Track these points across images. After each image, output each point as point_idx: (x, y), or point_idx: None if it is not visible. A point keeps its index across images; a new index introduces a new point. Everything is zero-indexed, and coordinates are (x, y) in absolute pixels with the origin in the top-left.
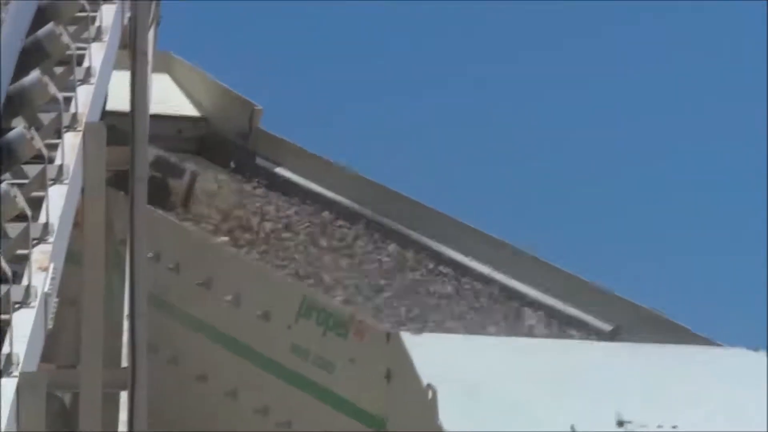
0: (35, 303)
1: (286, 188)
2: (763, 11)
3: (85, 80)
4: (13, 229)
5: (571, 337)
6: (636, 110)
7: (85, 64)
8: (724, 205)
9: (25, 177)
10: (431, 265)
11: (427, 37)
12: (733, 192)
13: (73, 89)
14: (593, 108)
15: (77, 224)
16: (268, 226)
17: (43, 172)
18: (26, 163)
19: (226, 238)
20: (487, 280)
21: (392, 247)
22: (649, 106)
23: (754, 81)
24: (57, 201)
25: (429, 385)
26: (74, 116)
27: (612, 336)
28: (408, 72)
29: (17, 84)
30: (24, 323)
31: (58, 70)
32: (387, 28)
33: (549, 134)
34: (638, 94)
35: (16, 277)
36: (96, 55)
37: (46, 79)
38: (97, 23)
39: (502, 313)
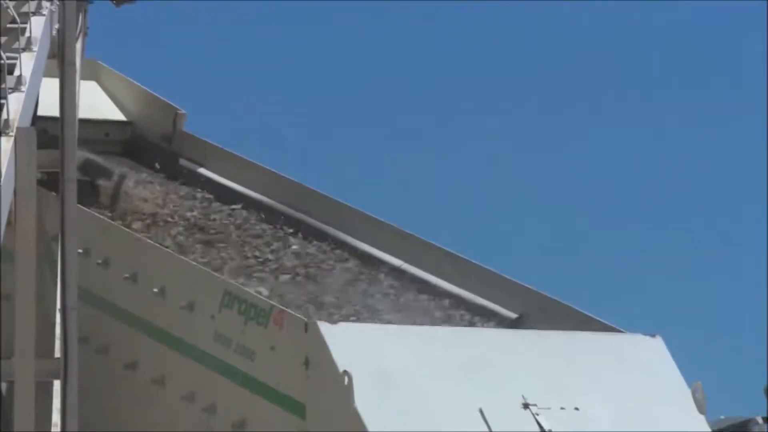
0: None
1: (208, 187)
2: (763, 12)
3: (16, 88)
4: None
5: (478, 325)
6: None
7: (16, 72)
8: (617, 193)
9: None
10: (346, 258)
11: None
12: (623, 179)
13: (4, 97)
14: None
15: (10, 223)
16: (191, 222)
17: None
18: None
19: (151, 235)
20: (399, 272)
21: (309, 241)
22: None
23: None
24: None
25: (345, 372)
26: (6, 122)
27: (517, 323)
28: (322, 69)
29: None
30: None
31: None
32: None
33: (452, 123)
34: None
35: None
36: (26, 64)
37: None
38: (27, 34)
39: (413, 303)
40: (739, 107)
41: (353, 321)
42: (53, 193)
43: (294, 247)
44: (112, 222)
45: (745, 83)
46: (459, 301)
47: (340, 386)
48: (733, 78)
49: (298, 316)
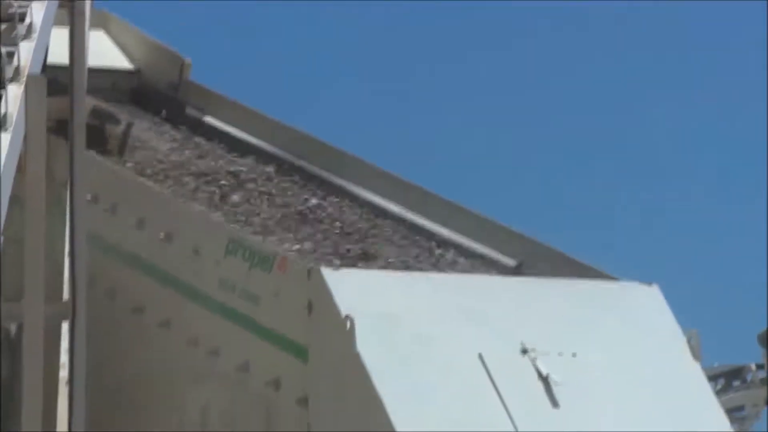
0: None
1: (214, 135)
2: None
3: (27, 36)
4: None
5: (478, 272)
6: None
7: (27, 21)
8: (617, 139)
9: None
10: (349, 207)
11: None
12: (622, 127)
13: (15, 44)
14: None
15: (21, 169)
16: (198, 169)
17: None
18: None
19: (159, 182)
20: (400, 220)
21: (313, 190)
22: None
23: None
24: (2, 147)
25: (347, 317)
26: (17, 69)
27: (516, 271)
28: (331, 20)
29: None
30: None
31: (2, 26)
32: None
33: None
34: None
35: None
36: (37, 12)
37: None
38: None
39: (414, 250)
40: None
41: (356, 267)
42: (62, 140)
43: (301, 198)
44: (120, 168)
45: None
46: (460, 249)
47: (342, 331)
48: None
49: (302, 262)
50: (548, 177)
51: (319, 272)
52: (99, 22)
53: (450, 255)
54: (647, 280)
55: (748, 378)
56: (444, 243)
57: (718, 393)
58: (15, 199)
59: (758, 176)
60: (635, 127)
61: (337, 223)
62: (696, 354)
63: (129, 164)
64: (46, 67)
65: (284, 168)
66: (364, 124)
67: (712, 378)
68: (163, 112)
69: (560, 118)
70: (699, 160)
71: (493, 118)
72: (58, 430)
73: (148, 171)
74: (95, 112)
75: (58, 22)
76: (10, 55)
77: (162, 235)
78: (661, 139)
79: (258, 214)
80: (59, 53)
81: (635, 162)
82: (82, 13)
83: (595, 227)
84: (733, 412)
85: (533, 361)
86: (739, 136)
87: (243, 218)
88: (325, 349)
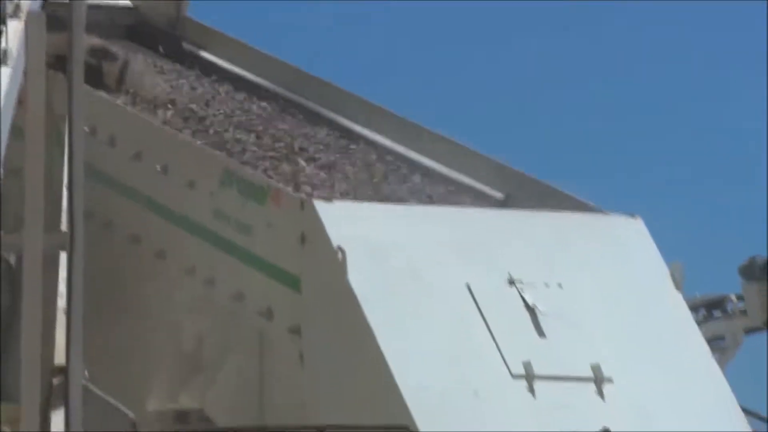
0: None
1: (210, 70)
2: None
3: None
4: None
5: (466, 205)
6: None
7: None
8: (603, 77)
9: None
10: (342, 141)
11: None
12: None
13: None
14: None
15: (21, 102)
16: (194, 104)
17: None
18: None
19: (155, 115)
20: (392, 153)
21: (307, 124)
22: None
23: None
24: (2, 81)
25: (339, 248)
26: (17, 6)
27: (503, 203)
28: None
29: None
30: None
31: None
32: None
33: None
34: None
35: None
36: None
37: None
38: None
39: (405, 183)
40: None
41: (348, 199)
42: (61, 74)
43: (295, 132)
44: (117, 102)
45: None
46: (449, 182)
47: (334, 262)
48: None
49: (294, 193)
50: (527, 105)
51: (311, 204)
52: None
53: (439, 188)
54: (631, 212)
55: (729, 308)
56: (434, 176)
57: (700, 323)
58: (15, 131)
59: (739, 110)
60: (617, 50)
61: (330, 156)
62: (678, 285)
63: (126, 98)
64: (45, 4)
65: (279, 103)
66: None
67: (694, 308)
68: (161, 48)
69: (531, 41)
70: (679, 96)
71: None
72: (55, 359)
73: (145, 105)
74: (93, 51)
75: None
76: None
77: (158, 167)
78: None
79: (252, 149)
80: None
81: (617, 94)
82: None
83: (579, 160)
84: (713, 342)
85: (520, 291)
86: (718, 65)
87: (237, 151)
88: (317, 280)
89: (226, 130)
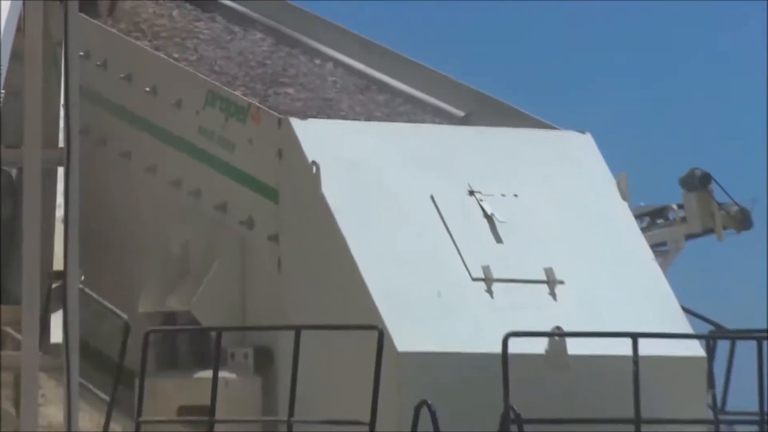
0: None
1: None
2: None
3: None
4: None
5: (431, 122)
6: None
7: None
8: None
9: None
10: (315, 63)
11: None
12: None
13: None
14: None
15: (20, 29)
16: (182, 28)
17: None
18: None
19: (145, 39)
20: (361, 74)
21: (283, 48)
22: None
23: None
24: (2, 11)
25: (313, 162)
26: None
27: (464, 121)
28: None
29: None
30: None
31: None
32: None
33: None
34: None
35: None
36: None
37: None
38: None
39: (373, 102)
40: None
41: (321, 117)
42: (57, 2)
43: (272, 55)
44: (110, 28)
45: None
46: (414, 101)
47: (308, 175)
48: None
49: (273, 112)
50: (485, 23)
51: (288, 122)
52: None
53: (405, 106)
54: (581, 129)
55: (671, 216)
56: (400, 95)
57: (644, 230)
58: (15, 56)
59: (685, 28)
60: None
61: (305, 78)
62: (624, 195)
63: (119, 24)
64: None
65: (259, 28)
66: None
67: (639, 216)
68: None
69: None
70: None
71: None
72: (54, 265)
73: (136, 30)
74: None
75: None
76: None
77: (147, 88)
78: None
79: (234, 71)
80: None
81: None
82: None
83: (534, 79)
84: (656, 247)
85: (479, 201)
86: None
87: (219, 72)
88: (294, 192)
89: (210, 54)
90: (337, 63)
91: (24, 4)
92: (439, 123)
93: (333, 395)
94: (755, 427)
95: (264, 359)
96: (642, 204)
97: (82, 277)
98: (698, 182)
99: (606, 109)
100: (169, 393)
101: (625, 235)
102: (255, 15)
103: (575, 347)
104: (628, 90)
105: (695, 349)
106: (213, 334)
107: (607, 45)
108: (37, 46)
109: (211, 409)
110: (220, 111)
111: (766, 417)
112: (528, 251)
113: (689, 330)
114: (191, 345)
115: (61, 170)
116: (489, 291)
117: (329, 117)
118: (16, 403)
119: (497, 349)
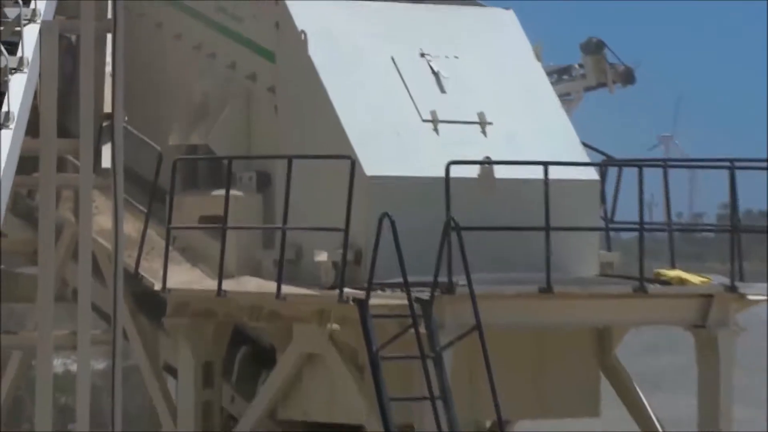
0: (27, 69)
1: None
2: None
3: None
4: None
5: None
6: None
7: None
8: None
9: None
10: None
11: None
12: None
13: None
14: None
15: None
16: None
17: None
18: None
19: None
20: None
21: None
22: None
23: None
24: None
25: (302, 31)
26: None
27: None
28: None
29: None
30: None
31: None
32: None
33: None
34: None
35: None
36: None
37: None
38: None
39: None
40: None
41: None
42: None
43: None
44: None
45: None
46: None
47: (298, 41)
48: None
49: None
50: None
51: (283, 1)
52: None
53: None
54: (506, 6)
55: (573, 74)
56: None
57: (553, 84)
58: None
59: None
60: None
61: None
62: (539, 58)
63: None
64: None
65: None
66: None
67: (549, 74)
68: None
69: None
70: None
71: None
72: (104, 108)
73: None
74: None
75: None
76: None
77: None
78: None
79: None
80: None
81: None
82: None
83: None
84: (563, 97)
85: (428, 62)
86: None
87: None
88: (287, 54)
89: None
90: None
91: None
92: (400, 1)
93: (317, 209)
94: (636, 234)
95: (264, 181)
96: (552, 64)
97: (126, 118)
98: (594, 47)
99: None
100: (192, 206)
101: (538, 88)
102: None
103: (500, 173)
104: None
105: (591, 174)
106: (225, 161)
107: None
108: None
109: (224, 218)
110: None
111: (644, 225)
112: (465, 99)
113: (586, 159)
114: (209, 170)
115: (109, 36)
116: (435, 130)
117: None
118: (75, 212)
119: (442, 173)
